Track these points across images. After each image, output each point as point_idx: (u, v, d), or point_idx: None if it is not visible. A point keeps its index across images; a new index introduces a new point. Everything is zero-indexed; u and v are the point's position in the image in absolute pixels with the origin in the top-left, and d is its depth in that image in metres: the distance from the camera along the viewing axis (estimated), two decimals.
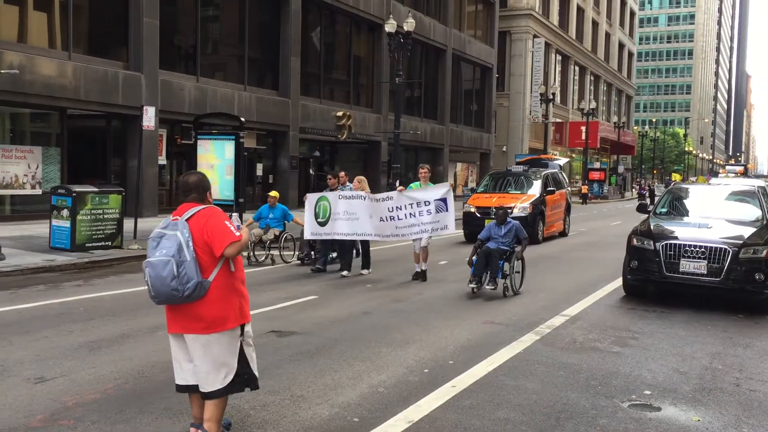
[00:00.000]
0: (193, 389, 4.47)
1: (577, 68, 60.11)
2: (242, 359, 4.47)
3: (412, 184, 12.22)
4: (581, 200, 44.73)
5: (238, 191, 16.44)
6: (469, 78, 43.04)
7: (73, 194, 13.18)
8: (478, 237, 10.81)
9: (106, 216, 13.70)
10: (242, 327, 4.46)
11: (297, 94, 26.81)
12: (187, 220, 4.30)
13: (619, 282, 11.03)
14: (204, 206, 4.40)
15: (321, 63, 29.58)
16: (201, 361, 4.34)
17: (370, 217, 11.38)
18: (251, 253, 13.04)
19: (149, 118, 14.88)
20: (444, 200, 11.20)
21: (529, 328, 8.16)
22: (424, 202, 11.22)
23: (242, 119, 18.09)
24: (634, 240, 10.07)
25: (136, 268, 11.04)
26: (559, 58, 55.36)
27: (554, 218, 19.91)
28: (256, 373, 4.60)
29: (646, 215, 11.17)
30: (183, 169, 23.57)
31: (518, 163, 25.42)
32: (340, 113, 29.14)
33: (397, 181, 21.71)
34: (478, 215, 18.09)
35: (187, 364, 4.45)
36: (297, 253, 13.48)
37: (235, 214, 5.29)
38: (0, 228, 12.81)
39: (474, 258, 10.34)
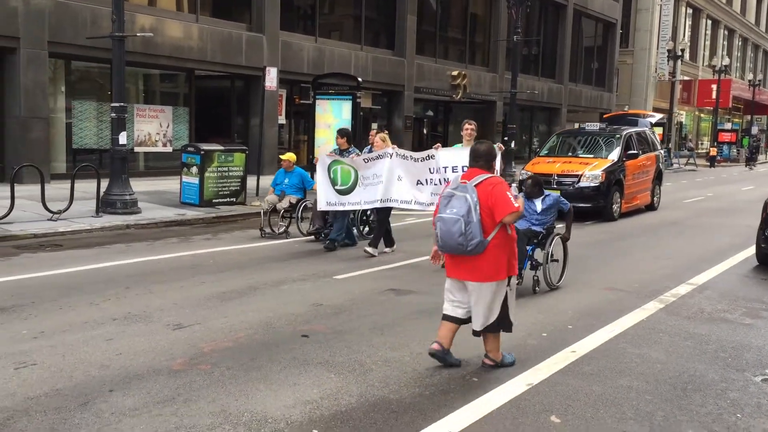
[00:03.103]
0: (448, 318, 5.36)
1: (709, 22, 56.23)
2: (504, 305, 5.26)
3: (453, 146, 9.94)
4: (709, 163, 42.28)
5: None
6: (591, 34, 41.24)
7: (202, 152, 13.84)
8: None
9: (231, 173, 14.31)
10: (509, 278, 5.24)
11: (412, 54, 26.70)
12: (476, 185, 5.04)
13: (751, 251, 10.43)
14: (490, 175, 5.19)
15: (437, 21, 29.24)
16: (475, 303, 5.20)
17: (398, 179, 9.53)
18: (261, 225, 11.34)
19: (271, 78, 15.31)
20: None
21: (653, 296, 7.89)
22: (463, 167, 8.63)
23: (359, 79, 18.27)
24: None
25: (259, 224, 11.51)
26: (689, 11, 51.94)
27: (637, 188, 16.12)
28: (513, 319, 5.36)
29: None
30: (301, 128, 24.20)
31: (602, 120, 21.66)
32: (455, 72, 28.80)
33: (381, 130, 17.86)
34: None
35: (454, 300, 5.35)
36: (308, 227, 11.16)
37: (514, 185, 5.97)
38: (135, 183, 13.66)
39: None
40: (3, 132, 16.29)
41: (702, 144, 53.28)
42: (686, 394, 4.98)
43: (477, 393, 4.86)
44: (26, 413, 4.29)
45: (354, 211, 10.78)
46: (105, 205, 12.57)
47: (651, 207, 17.04)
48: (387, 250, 10.15)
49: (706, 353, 5.92)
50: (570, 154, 16.11)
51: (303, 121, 24.03)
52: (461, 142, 9.64)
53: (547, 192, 8.21)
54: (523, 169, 15.95)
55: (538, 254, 7.99)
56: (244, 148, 15.15)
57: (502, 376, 5.20)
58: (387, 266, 9.20)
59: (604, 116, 22.81)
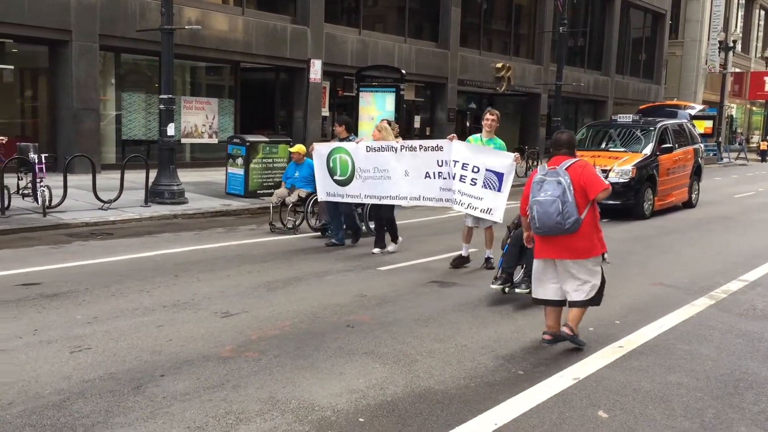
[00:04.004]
0: (550, 303, 5.66)
1: (762, 12, 54.64)
2: (602, 280, 5.62)
3: (470, 137, 8.90)
4: (760, 158, 41.13)
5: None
6: (639, 25, 40.43)
7: (247, 144, 14.01)
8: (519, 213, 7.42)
9: (275, 165, 14.45)
10: (603, 254, 5.57)
11: (456, 46, 26.56)
12: (566, 168, 5.42)
13: None
14: (576, 159, 5.59)
15: (481, 13, 29.01)
16: (571, 279, 5.53)
17: (405, 174, 8.78)
18: (271, 220, 10.96)
19: (316, 71, 15.42)
20: (499, 176, 7.94)
21: (703, 291, 7.74)
22: (473, 167, 8.12)
23: (403, 71, 18.24)
24: None
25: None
26: (742, 1, 50.51)
27: (672, 185, 15.10)
28: (603, 294, 5.68)
29: None
30: None
31: (639, 112, 20.33)
32: (499, 65, 28.47)
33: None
34: None
35: (549, 283, 5.64)
36: (317, 221, 10.70)
37: (598, 167, 6.12)
38: (182, 174, 13.91)
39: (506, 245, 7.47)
40: (56, 123, 16.73)
41: (753, 138, 51.80)
42: (738, 392, 4.87)
43: (523, 386, 4.84)
44: (82, 395, 4.42)
45: (362, 206, 10.26)
46: (153, 195, 12.83)
47: (688, 204, 15.99)
48: (390, 248, 9.47)
49: (759, 351, 5.78)
50: (600, 147, 15.14)
51: (346, 114, 24.12)
52: (483, 133, 8.67)
53: None
54: (540, 163, 15.18)
55: None
56: (289, 139, 15.30)
57: (549, 370, 5.16)
58: (430, 258, 9.19)
59: (640, 107, 21.55)
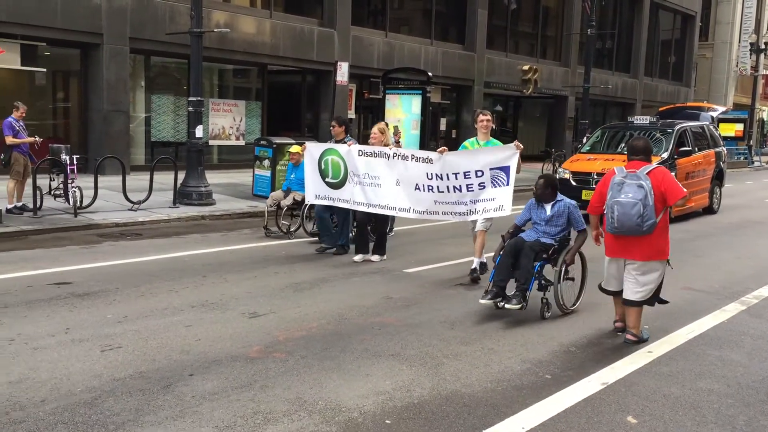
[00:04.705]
0: (619, 294, 6.05)
1: None
2: (660, 283, 5.94)
3: (465, 142, 8.55)
4: None
5: (423, 146, 16.71)
6: (668, 27, 39.97)
7: (274, 146, 14.09)
8: (515, 221, 7.04)
9: None
10: (668, 260, 5.92)
11: (482, 48, 26.47)
12: (647, 173, 5.69)
13: None
14: (657, 165, 5.88)
15: (508, 15, 28.87)
16: (636, 279, 5.83)
17: (396, 183, 8.33)
18: (265, 224, 10.57)
19: (342, 73, 15.48)
20: (505, 169, 7.67)
21: (734, 297, 7.63)
22: (476, 171, 7.77)
23: (429, 74, 18.24)
24: None
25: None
26: None
27: (691, 189, 13.64)
28: (659, 296, 6.02)
29: None
30: (370, 122, 24.31)
31: (659, 114, 19.61)
32: (526, 67, 28.39)
33: (396, 133, 16.21)
34: (574, 183, 13.50)
35: (614, 280, 6.06)
36: (314, 226, 10.18)
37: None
38: (209, 175, 14.05)
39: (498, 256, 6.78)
40: (87, 125, 16.99)
41: None
42: None
43: (551, 390, 4.81)
44: (112, 393, 4.48)
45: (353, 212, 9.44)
46: (181, 196, 12.97)
47: (709, 210, 15.23)
48: (374, 258, 8.97)
49: None
50: (611, 150, 14.58)
51: (371, 115, 24.17)
52: (479, 136, 8.34)
53: (560, 197, 6.82)
54: (560, 166, 14.40)
55: (549, 272, 6.72)
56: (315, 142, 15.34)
57: (577, 375, 5.12)
58: (455, 261, 9.16)
59: (660, 109, 20.65)
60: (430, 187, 8.05)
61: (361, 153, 8.67)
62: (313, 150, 9.17)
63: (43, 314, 6.15)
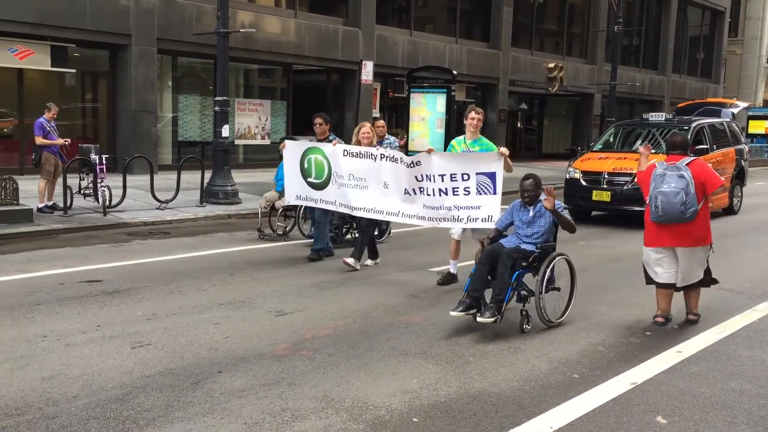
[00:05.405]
0: (662, 285, 6.32)
1: None
2: (708, 265, 6.39)
3: (453, 141, 7.92)
4: None
5: (447, 145, 16.65)
6: (697, 23, 39.42)
7: None
8: (495, 225, 6.68)
9: None
10: (711, 244, 6.32)
11: (507, 46, 26.35)
12: (687, 164, 6.09)
13: None
14: (693, 157, 6.30)
15: (533, 13, 28.71)
16: (686, 265, 6.21)
17: (385, 185, 7.80)
18: (259, 226, 10.29)
19: (367, 72, 15.50)
20: (491, 176, 7.09)
21: (765, 296, 7.51)
22: (462, 175, 7.21)
23: (454, 72, 18.18)
24: None
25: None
26: None
27: None
28: (711, 275, 6.46)
29: None
30: (394, 121, 24.32)
31: (678, 109, 18.84)
32: (551, 65, 28.20)
33: (402, 136, 15.45)
34: (585, 183, 12.91)
35: (661, 269, 6.29)
36: (310, 228, 9.75)
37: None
38: (235, 175, 14.15)
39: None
40: (115, 125, 17.22)
41: None
42: None
43: (578, 390, 4.77)
44: (143, 390, 4.54)
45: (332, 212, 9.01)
46: (208, 195, 13.09)
47: (729, 210, 14.63)
48: (369, 263, 8.63)
49: None
50: (625, 149, 14.01)
51: (395, 114, 24.18)
52: (467, 134, 7.69)
53: (544, 195, 6.22)
54: (569, 166, 13.95)
55: (530, 280, 6.15)
56: (340, 141, 15.35)
57: (605, 375, 5.08)
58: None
59: (679, 105, 19.81)
60: (422, 190, 7.53)
61: (346, 153, 8.11)
62: (293, 148, 8.67)
63: (74, 311, 6.25)
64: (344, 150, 8.13)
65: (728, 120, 16.08)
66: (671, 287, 6.33)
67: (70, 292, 6.91)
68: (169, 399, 4.41)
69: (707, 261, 6.36)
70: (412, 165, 7.53)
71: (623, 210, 12.52)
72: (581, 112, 31.76)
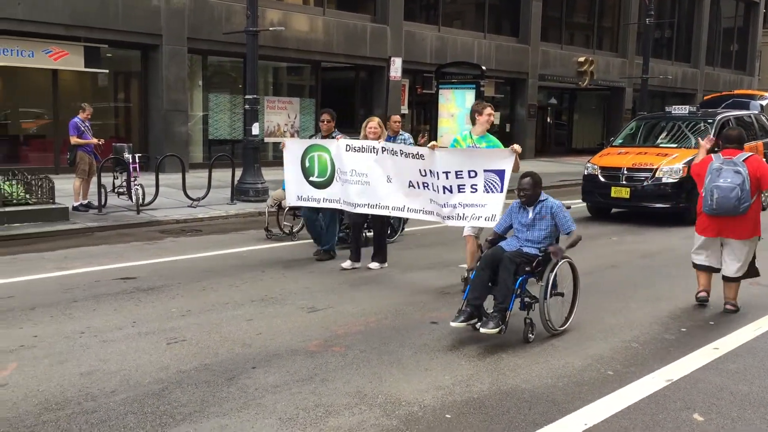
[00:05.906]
0: (704, 269, 6.76)
1: None
2: (753, 257, 6.60)
3: (457, 135, 7.63)
4: None
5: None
6: (730, 15, 38.68)
7: None
8: (494, 228, 6.32)
9: None
10: (760, 236, 6.59)
11: (537, 40, 26.14)
12: (743, 160, 6.30)
13: None
14: (751, 153, 6.50)
15: (562, 6, 28.42)
16: (733, 256, 6.53)
17: (388, 180, 7.56)
18: (267, 225, 10.10)
19: (396, 68, 15.50)
20: (500, 173, 6.75)
21: None
22: (469, 172, 6.88)
23: (483, 67, 18.12)
24: None
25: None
26: None
27: None
28: (755, 267, 6.67)
29: None
30: (422, 118, 24.31)
31: (704, 102, 18.11)
32: (581, 59, 27.91)
33: (423, 134, 15.17)
34: (603, 179, 12.36)
35: (708, 255, 6.68)
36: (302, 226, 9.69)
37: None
38: (265, 172, 14.25)
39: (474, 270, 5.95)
40: (147, 124, 17.45)
41: None
42: None
43: (613, 386, 4.73)
44: (179, 385, 4.61)
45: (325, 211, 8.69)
46: (239, 192, 13.21)
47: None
48: (372, 266, 8.26)
49: None
50: (646, 143, 13.41)
51: (423, 110, 24.14)
52: (475, 129, 7.33)
53: (544, 196, 5.93)
54: (588, 161, 13.41)
55: (534, 286, 5.85)
56: None
57: (639, 371, 5.03)
58: None
59: (705, 98, 18.91)
60: (426, 185, 7.25)
61: (348, 148, 7.85)
62: (294, 147, 8.45)
63: (110, 308, 6.35)
64: (347, 145, 7.89)
65: (756, 112, 15.58)
66: (711, 270, 6.73)
67: (105, 289, 7.03)
68: (204, 394, 4.47)
69: (754, 254, 6.60)
70: (415, 156, 7.29)
71: (643, 207, 12.10)
72: (612, 106, 31.39)
